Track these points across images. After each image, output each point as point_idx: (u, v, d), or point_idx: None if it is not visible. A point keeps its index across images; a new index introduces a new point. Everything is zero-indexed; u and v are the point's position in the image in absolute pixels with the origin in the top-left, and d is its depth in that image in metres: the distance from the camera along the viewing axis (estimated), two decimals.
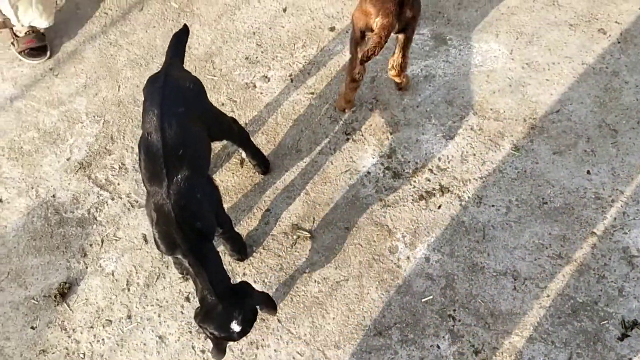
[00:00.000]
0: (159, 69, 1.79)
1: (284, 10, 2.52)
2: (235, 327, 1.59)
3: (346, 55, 2.43)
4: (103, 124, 2.31)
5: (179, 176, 1.59)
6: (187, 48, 2.41)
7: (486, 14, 2.49)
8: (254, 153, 2.15)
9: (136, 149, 2.26)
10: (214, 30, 2.49)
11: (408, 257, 2.09)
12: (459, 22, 2.48)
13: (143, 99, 1.70)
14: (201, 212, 1.64)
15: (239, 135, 2.05)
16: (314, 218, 2.14)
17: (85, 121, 2.31)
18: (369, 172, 2.22)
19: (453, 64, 2.40)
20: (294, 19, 2.51)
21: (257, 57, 2.43)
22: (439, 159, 2.24)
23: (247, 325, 1.62)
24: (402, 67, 2.16)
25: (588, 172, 2.19)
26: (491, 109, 2.31)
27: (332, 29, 2.49)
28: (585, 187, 2.17)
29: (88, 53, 2.44)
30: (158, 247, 1.66)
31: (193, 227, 1.59)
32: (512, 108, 2.31)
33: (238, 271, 2.06)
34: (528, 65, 2.38)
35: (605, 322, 1.98)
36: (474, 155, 2.24)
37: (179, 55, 1.88)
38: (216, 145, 2.25)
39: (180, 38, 1.90)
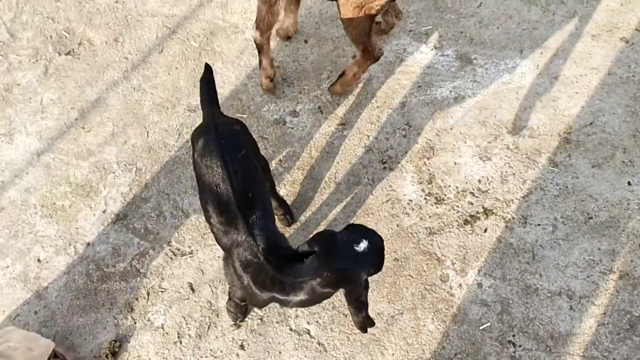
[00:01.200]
0: (203, 121, 1.76)
1: (306, 41, 2.50)
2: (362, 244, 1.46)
3: (374, 82, 2.42)
4: (135, 172, 2.26)
5: (254, 217, 1.56)
6: None
7: (508, 31, 2.49)
8: (280, 202, 2.10)
9: (172, 196, 2.22)
10: (237, 67, 2.46)
11: (460, 285, 2.06)
12: (482, 40, 2.48)
13: (196, 154, 1.66)
14: (280, 238, 1.62)
15: (269, 180, 2.00)
16: None
17: (117, 171, 2.27)
18: (410, 200, 2.20)
19: (481, 83, 2.40)
20: (317, 49, 2.48)
21: (284, 92, 2.40)
22: (479, 181, 2.23)
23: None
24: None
25: (629, 183, 2.19)
26: (525, 126, 2.31)
27: (355, 56, 2.46)
28: (628, 198, 2.16)
29: (112, 100, 2.40)
30: (255, 302, 1.61)
31: (280, 258, 1.54)
32: (545, 124, 2.30)
33: (290, 313, 2.01)
34: (556, 79, 2.38)
35: None
36: (514, 174, 2.23)
37: (213, 101, 1.85)
38: None
39: (209, 82, 1.86)
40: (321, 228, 2.16)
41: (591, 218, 2.14)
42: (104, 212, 2.19)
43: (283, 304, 1.60)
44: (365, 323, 1.56)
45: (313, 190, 2.22)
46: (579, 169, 2.22)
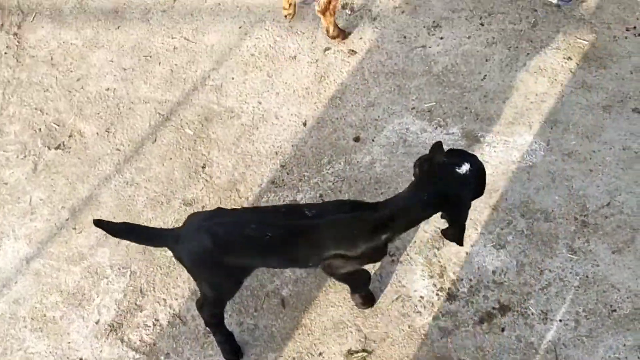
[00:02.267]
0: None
1: (304, 124, 2.40)
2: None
3: (377, 166, 2.31)
4: (130, 276, 2.15)
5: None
6: (209, 177, 2.30)
7: (515, 105, 2.38)
8: None
9: (168, 301, 2.10)
10: (234, 155, 2.35)
11: None
12: (488, 116, 2.37)
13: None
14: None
15: None
16: (370, 359, 1.98)
17: (111, 275, 2.15)
18: (422, 297, 2.07)
19: (490, 163, 2.28)
20: (316, 132, 2.38)
21: (283, 180, 2.30)
22: (494, 272, 2.10)
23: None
24: (324, 7, 2.35)
25: None
26: (538, 209, 2.19)
27: (356, 139, 2.37)
28: None
29: (104, 197, 2.29)
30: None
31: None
32: (560, 205, 2.18)
33: None
34: (568, 156, 2.27)
35: None
36: (530, 264, 2.10)
37: None
38: (253, 286, 2.10)
39: None
40: (329, 332, 2.03)
41: (614, 311, 2.01)
42: (97, 323, 2.07)
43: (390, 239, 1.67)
44: (457, 237, 1.66)
45: (317, 289, 2.10)
46: (598, 256, 2.09)
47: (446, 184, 1.56)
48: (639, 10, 2.48)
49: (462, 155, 1.59)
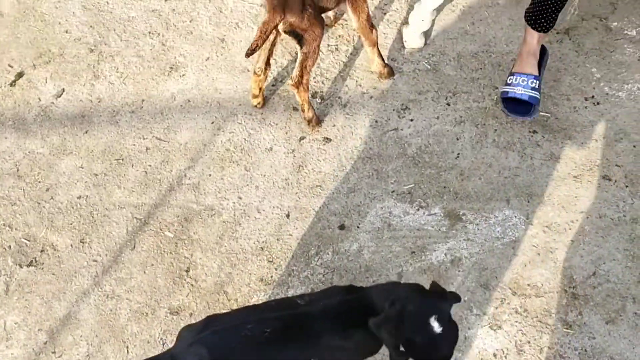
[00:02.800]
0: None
1: (287, 215, 2.38)
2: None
3: (364, 253, 2.29)
4: None
5: None
6: (194, 282, 2.22)
7: (491, 181, 2.44)
8: None
9: None
10: (218, 255, 2.29)
11: None
12: (467, 194, 2.42)
13: None
14: None
15: None
16: None
17: None
18: None
19: (475, 241, 2.31)
20: (300, 223, 2.36)
21: (272, 277, 2.25)
22: (494, 355, 2.08)
23: None
24: (297, 80, 2.36)
25: None
26: (528, 285, 2.21)
27: (341, 227, 2.36)
28: None
29: (84, 314, 2.17)
30: None
31: None
32: (549, 279, 2.21)
33: None
34: (549, 228, 2.32)
35: None
36: (529, 342, 2.10)
37: None
38: None
39: None
40: None
41: None
42: None
43: None
44: None
45: None
46: (593, 328, 2.11)
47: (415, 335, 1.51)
48: (594, 80, 2.63)
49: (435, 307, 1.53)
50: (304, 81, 2.40)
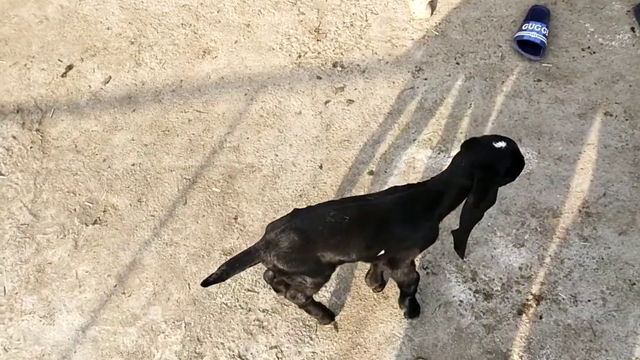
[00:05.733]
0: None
1: (320, 167, 2.63)
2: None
3: None
4: (185, 327, 2.24)
5: None
6: (242, 227, 2.46)
7: (503, 124, 2.68)
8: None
9: (226, 344, 2.19)
10: (261, 204, 2.54)
11: None
12: None
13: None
14: None
15: None
16: None
17: (167, 330, 2.24)
18: (461, 301, 2.23)
19: None
20: (333, 172, 2.61)
21: None
22: (520, 268, 2.29)
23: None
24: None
25: None
26: (545, 208, 2.43)
27: (370, 172, 2.60)
28: None
29: (147, 260, 2.42)
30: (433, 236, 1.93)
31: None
32: (563, 202, 2.44)
33: None
34: (559, 159, 2.55)
35: None
36: (550, 256, 2.31)
37: None
38: (304, 317, 2.22)
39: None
40: (383, 346, 2.15)
41: (634, 284, 2.22)
42: None
43: (442, 215, 1.87)
44: (463, 233, 1.84)
45: (365, 310, 2.24)
46: (608, 239, 2.32)
47: (483, 155, 1.75)
48: (589, 33, 2.89)
49: (501, 136, 1.78)
50: None
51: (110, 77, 3.01)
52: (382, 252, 1.88)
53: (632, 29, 2.88)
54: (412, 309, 2.18)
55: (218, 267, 1.83)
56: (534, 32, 2.81)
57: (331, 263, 1.87)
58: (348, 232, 1.80)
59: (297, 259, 1.80)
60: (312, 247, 1.80)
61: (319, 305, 2.16)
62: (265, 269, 1.97)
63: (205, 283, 1.81)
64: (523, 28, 2.87)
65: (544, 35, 2.82)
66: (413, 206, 1.82)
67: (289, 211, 1.89)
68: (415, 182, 1.98)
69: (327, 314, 2.19)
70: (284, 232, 1.79)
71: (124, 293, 2.34)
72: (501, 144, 1.74)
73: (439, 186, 1.83)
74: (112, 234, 2.50)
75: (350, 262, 1.94)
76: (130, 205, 2.58)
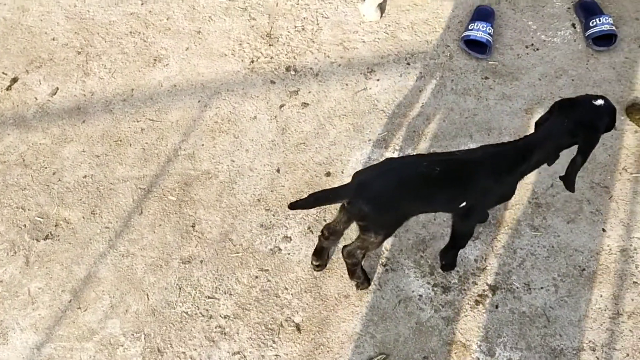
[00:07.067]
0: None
1: (278, 170, 2.63)
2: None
3: None
4: (145, 338, 2.20)
5: None
6: (200, 234, 2.44)
7: (454, 121, 2.75)
8: None
9: (188, 352, 2.16)
10: (219, 210, 2.52)
11: None
12: (435, 134, 2.72)
13: None
14: None
15: None
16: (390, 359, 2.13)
17: (125, 343, 2.19)
18: (420, 295, 2.27)
19: None
20: (290, 175, 2.62)
21: (271, 222, 2.48)
22: (475, 260, 2.35)
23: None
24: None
25: (603, 229, 2.39)
26: None
27: (327, 174, 2.62)
28: (608, 244, 2.35)
29: (103, 273, 2.36)
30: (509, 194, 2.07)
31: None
32: (514, 195, 2.51)
33: None
34: None
35: None
36: (504, 247, 2.38)
37: None
38: (266, 320, 2.21)
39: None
40: (346, 345, 2.17)
41: (584, 270, 2.30)
42: None
43: (525, 172, 1.97)
44: (573, 175, 1.95)
45: (326, 309, 2.25)
46: (557, 228, 2.41)
47: (584, 113, 1.85)
48: (532, 31, 2.99)
49: (597, 95, 1.88)
50: None
51: (57, 89, 2.94)
52: (464, 203, 1.96)
53: (573, 25, 3.00)
54: (453, 263, 2.30)
55: (307, 195, 1.94)
56: (480, 31, 2.90)
57: (409, 214, 1.99)
58: (437, 184, 1.87)
59: (385, 205, 1.85)
60: (402, 195, 1.86)
61: (362, 268, 2.22)
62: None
63: (293, 206, 1.91)
64: (469, 28, 2.95)
65: (489, 34, 2.91)
66: (500, 162, 1.91)
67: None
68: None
69: (367, 279, 2.26)
70: (380, 176, 1.85)
71: (79, 308, 2.28)
72: (600, 102, 1.84)
73: (531, 145, 1.92)
74: (65, 248, 2.44)
75: (430, 212, 2.18)
76: (84, 218, 2.52)
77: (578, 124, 1.86)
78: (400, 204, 1.88)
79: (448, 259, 2.28)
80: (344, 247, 2.10)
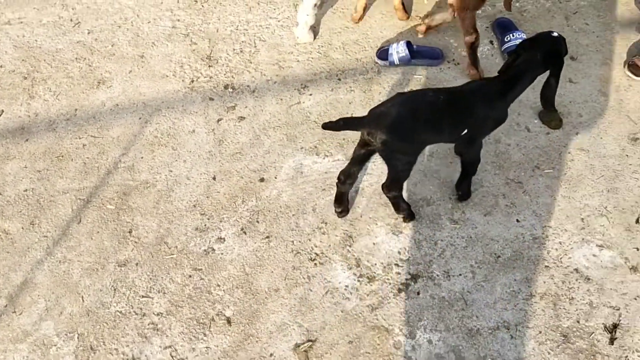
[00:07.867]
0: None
1: (214, 178, 2.76)
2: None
3: (283, 197, 2.69)
4: (78, 338, 2.25)
5: None
6: (137, 239, 2.52)
7: None
8: None
9: (120, 349, 2.22)
10: (156, 216, 2.62)
11: (413, 347, 2.21)
12: None
13: None
14: None
15: None
16: (316, 346, 2.22)
17: (59, 342, 2.24)
18: (346, 286, 2.38)
19: (373, 174, 2.76)
20: (226, 182, 2.74)
21: (205, 225, 2.59)
22: (399, 252, 2.48)
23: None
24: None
25: (517, 220, 2.56)
26: (420, 198, 2.66)
27: (261, 180, 2.75)
28: (522, 232, 2.52)
29: (40, 278, 2.42)
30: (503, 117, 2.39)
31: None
32: (435, 192, 2.67)
33: None
34: (431, 156, 2.81)
35: (593, 334, 2.23)
36: (425, 239, 2.52)
37: None
38: (197, 315, 2.29)
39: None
40: (274, 335, 2.25)
41: (499, 257, 2.45)
42: None
43: (512, 99, 2.30)
44: (552, 96, 2.32)
45: (256, 303, 2.34)
46: (475, 220, 2.57)
47: (549, 45, 2.23)
48: (453, 48, 3.24)
49: (549, 31, 2.28)
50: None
51: (2, 111, 3.05)
52: (465, 131, 2.24)
53: (491, 42, 3.26)
54: (468, 192, 2.59)
55: (336, 119, 2.21)
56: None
57: (424, 141, 2.27)
58: (443, 110, 2.16)
59: (404, 130, 2.09)
60: (416, 121, 2.13)
61: (405, 200, 2.49)
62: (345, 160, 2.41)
63: (325, 126, 2.17)
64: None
65: (409, 51, 3.13)
66: (491, 91, 2.25)
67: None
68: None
69: (412, 212, 2.52)
70: (394, 106, 2.11)
71: (14, 312, 2.33)
72: (555, 34, 2.24)
73: (515, 76, 2.24)
74: (3, 257, 2.50)
75: (440, 142, 2.43)
76: (23, 228, 2.60)
77: (547, 54, 2.23)
78: (415, 128, 2.14)
79: (463, 188, 2.57)
80: (383, 184, 2.39)
